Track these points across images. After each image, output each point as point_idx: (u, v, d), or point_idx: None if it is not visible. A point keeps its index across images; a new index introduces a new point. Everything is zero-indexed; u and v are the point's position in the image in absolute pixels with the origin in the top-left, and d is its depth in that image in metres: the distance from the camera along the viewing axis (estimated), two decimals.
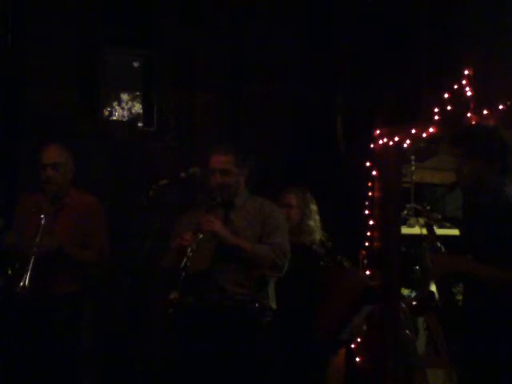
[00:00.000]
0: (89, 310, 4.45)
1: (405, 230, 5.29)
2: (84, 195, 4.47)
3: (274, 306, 4.03)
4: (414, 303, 5.17)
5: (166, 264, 4.03)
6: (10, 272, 4.32)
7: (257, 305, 3.92)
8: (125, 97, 6.25)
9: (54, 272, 4.21)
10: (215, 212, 3.94)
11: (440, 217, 5.55)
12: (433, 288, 5.11)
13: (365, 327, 5.12)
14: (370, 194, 5.20)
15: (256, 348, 3.91)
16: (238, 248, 3.87)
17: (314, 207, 4.69)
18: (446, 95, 4.69)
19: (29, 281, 4.07)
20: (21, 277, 4.08)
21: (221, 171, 3.98)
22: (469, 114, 4.52)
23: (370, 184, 5.20)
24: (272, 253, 3.89)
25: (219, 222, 3.90)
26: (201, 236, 3.79)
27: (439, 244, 3.55)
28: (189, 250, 3.75)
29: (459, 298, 3.44)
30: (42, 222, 4.19)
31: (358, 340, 5.14)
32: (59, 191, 4.34)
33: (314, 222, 4.65)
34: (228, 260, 3.88)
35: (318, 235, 4.68)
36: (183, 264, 3.72)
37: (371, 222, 5.17)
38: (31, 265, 4.09)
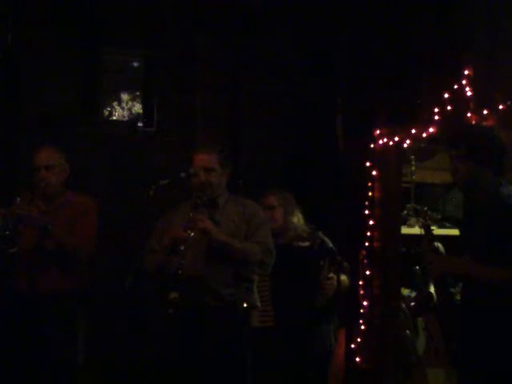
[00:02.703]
0: (83, 309, 4.41)
1: (405, 230, 5.29)
2: (79, 196, 4.46)
3: (259, 304, 4.05)
4: (413, 304, 5.18)
5: (149, 265, 3.99)
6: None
7: (245, 304, 3.93)
8: (125, 97, 6.26)
9: (44, 268, 4.20)
10: (200, 212, 3.92)
11: (440, 217, 5.56)
12: (431, 289, 5.12)
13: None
14: (369, 193, 5.20)
15: (246, 346, 3.92)
16: (229, 247, 3.86)
17: (294, 205, 4.72)
18: (446, 95, 4.68)
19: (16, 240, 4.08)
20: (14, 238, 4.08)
21: (205, 169, 3.98)
22: (469, 114, 4.52)
23: (369, 184, 5.20)
24: (260, 250, 3.90)
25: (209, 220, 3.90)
26: (192, 234, 3.77)
27: (437, 244, 3.56)
28: (182, 248, 3.74)
29: (458, 297, 3.44)
30: (41, 208, 4.24)
31: (358, 340, 5.14)
32: (53, 192, 4.35)
33: (298, 218, 4.68)
34: (219, 260, 3.87)
35: (303, 231, 4.69)
36: (179, 262, 3.72)
37: (371, 222, 5.16)
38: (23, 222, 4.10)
